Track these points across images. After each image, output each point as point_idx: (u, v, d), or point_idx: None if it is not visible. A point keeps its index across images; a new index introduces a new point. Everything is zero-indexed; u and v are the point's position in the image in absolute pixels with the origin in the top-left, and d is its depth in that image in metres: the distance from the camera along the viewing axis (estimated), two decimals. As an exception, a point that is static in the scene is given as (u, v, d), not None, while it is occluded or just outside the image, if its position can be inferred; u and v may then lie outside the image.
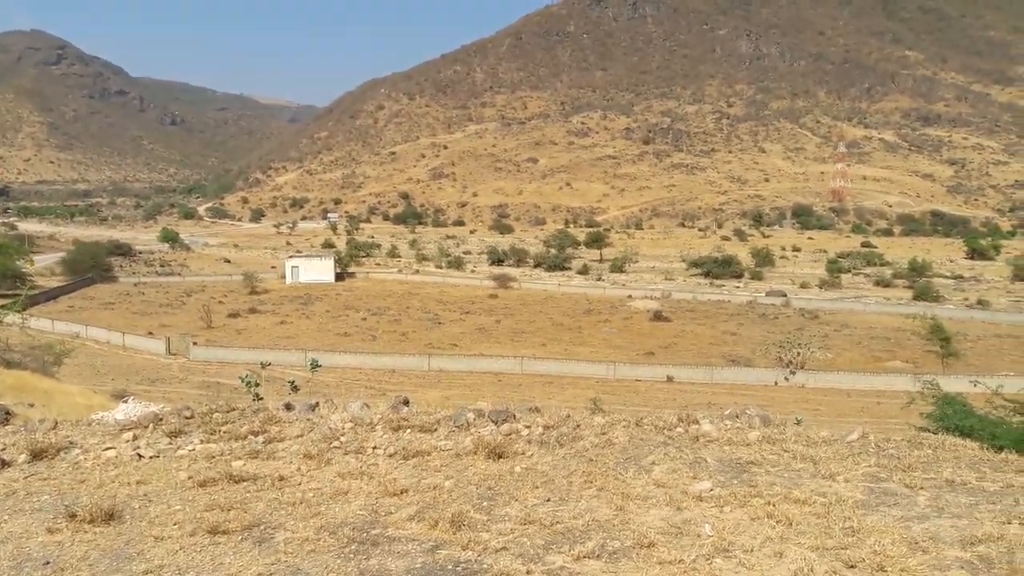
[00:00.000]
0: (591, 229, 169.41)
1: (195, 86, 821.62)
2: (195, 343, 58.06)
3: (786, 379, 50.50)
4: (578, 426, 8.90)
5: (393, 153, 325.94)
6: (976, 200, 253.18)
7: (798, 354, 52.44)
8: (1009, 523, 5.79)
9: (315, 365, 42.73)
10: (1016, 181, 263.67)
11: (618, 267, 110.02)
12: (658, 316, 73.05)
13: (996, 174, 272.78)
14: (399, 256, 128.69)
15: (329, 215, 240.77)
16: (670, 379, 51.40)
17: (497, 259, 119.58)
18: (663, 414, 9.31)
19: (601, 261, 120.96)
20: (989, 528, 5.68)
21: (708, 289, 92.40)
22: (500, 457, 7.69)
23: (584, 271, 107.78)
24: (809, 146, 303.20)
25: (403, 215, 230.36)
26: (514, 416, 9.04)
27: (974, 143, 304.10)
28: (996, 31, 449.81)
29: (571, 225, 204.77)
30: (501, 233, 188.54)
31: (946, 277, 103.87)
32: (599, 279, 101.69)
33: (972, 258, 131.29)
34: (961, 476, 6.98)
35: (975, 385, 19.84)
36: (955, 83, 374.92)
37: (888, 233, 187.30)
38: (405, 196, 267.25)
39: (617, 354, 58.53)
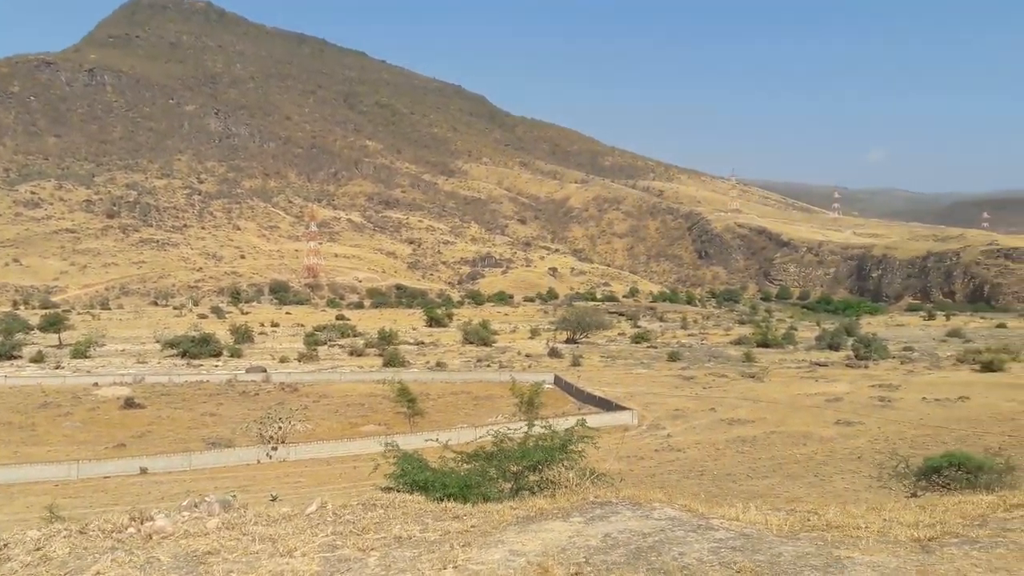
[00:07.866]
0: (47, 311, 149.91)
1: None
2: None
3: (268, 456, 50.29)
4: (6, 545, 7.65)
5: None
6: (431, 275, 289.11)
7: (279, 429, 52.74)
8: (444, 569, 6.40)
9: None
10: (461, 258, 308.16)
11: (81, 352, 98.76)
12: (130, 403, 67.22)
13: (446, 252, 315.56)
14: None
15: None
16: (144, 471, 47.29)
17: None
18: (112, 516, 8.43)
19: (60, 346, 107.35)
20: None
21: (185, 370, 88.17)
22: None
23: (39, 359, 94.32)
24: (283, 225, 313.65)
25: None
26: (-93, 551, 7.27)
27: (427, 225, 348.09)
28: (439, 128, 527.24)
29: (22, 307, 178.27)
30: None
31: (410, 344, 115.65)
32: (58, 367, 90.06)
33: (431, 326, 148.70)
34: (408, 531, 7.56)
35: (436, 440, 22.18)
36: (409, 172, 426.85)
37: (359, 306, 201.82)
38: None
39: (82, 450, 52.07)
